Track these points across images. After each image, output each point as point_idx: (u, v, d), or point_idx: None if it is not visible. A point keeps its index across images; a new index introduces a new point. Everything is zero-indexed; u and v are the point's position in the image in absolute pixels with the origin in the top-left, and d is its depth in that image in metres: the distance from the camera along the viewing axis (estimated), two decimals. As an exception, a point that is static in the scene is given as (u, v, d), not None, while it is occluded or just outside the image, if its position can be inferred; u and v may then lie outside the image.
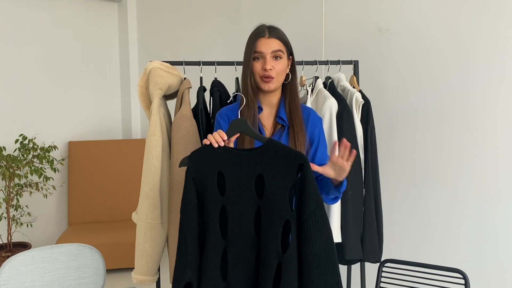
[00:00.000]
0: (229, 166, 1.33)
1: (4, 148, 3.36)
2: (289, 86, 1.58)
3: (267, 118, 1.58)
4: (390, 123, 2.56)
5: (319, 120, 1.63)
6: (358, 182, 2.05)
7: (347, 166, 1.40)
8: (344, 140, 1.40)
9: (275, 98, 1.58)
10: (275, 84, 1.52)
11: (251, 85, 1.53)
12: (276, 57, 1.51)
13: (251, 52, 1.51)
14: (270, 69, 1.49)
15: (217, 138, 1.35)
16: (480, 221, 2.28)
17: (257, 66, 1.51)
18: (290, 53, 1.57)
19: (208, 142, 1.36)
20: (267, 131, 1.56)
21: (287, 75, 1.57)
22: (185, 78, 2.00)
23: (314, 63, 2.15)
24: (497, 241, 2.24)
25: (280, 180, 1.30)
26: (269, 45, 1.50)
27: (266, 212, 1.30)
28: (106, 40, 4.36)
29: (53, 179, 3.60)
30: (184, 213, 1.34)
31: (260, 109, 1.58)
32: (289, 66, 1.58)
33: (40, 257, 1.69)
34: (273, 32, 1.52)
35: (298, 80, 1.86)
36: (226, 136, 1.37)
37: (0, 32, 3.66)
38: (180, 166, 1.37)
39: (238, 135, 1.42)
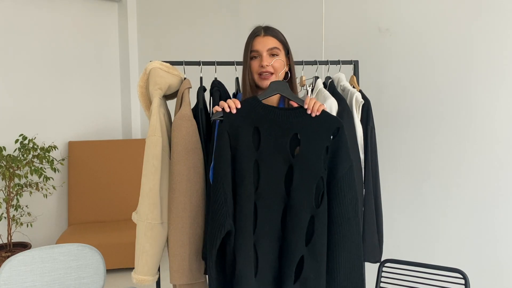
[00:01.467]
0: (266, 122, 1.39)
1: (4, 148, 3.36)
2: (288, 85, 1.60)
3: None
4: (390, 123, 2.56)
5: None
6: (358, 182, 2.05)
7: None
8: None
9: (274, 96, 1.60)
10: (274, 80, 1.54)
11: (250, 84, 1.57)
12: (272, 54, 1.54)
13: (248, 52, 1.55)
14: (267, 66, 1.53)
15: (231, 105, 1.40)
16: (480, 221, 2.28)
17: (255, 64, 1.55)
18: (287, 51, 1.60)
19: (219, 109, 1.40)
20: None
21: (286, 73, 1.59)
22: (185, 78, 2.00)
23: (314, 63, 2.14)
24: (497, 241, 2.23)
25: (316, 140, 1.37)
26: (264, 43, 1.54)
27: (300, 169, 1.37)
28: (106, 40, 4.36)
29: (53, 179, 3.60)
30: (219, 165, 1.36)
31: None
32: (288, 65, 1.60)
33: (40, 257, 1.69)
34: (269, 31, 1.56)
35: (298, 80, 1.85)
36: (239, 105, 1.41)
37: (0, 32, 3.66)
38: (212, 119, 1.41)
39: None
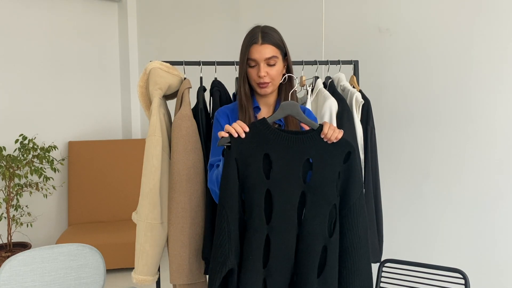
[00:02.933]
0: (277, 148, 1.31)
1: (4, 148, 3.36)
2: (285, 87, 1.60)
3: None
4: (390, 123, 2.56)
5: (314, 119, 1.65)
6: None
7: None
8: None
9: (272, 98, 1.61)
10: (271, 88, 1.55)
11: (245, 90, 1.54)
12: (270, 63, 1.51)
13: (245, 59, 1.51)
14: (265, 76, 1.50)
15: (238, 129, 1.31)
16: (480, 221, 2.28)
17: (252, 73, 1.52)
18: (285, 54, 1.57)
19: (226, 134, 1.32)
20: None
21: (283, 75, 1.58)
22: (185, 78, 2.00)
23: (314, 63, 2.14)
24: (497, 241, 2.23)
25: (329, 166, 1.31)
26: (262, 52, 1.49)
27: (312, 196, 1.30)
28: (106, 40, 4.36)
29: (53, 179, 3.60)
30: (225, 196, 1.28)
31: (258, 109, 1.60)
32: (285, 67, 1.59)
33: (40, 257, 1.69)
34: (266, 37, 1.50)
35: (298, 80, 1.85)
36: (247, 128, 1.32)
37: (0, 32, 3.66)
38: (219, 145, 1.31)
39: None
